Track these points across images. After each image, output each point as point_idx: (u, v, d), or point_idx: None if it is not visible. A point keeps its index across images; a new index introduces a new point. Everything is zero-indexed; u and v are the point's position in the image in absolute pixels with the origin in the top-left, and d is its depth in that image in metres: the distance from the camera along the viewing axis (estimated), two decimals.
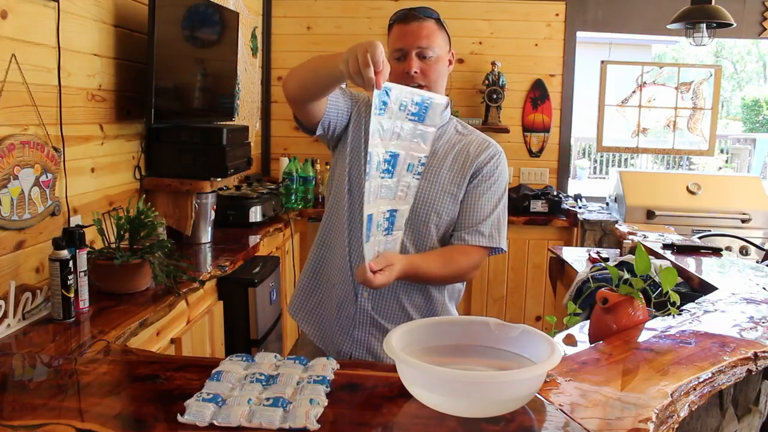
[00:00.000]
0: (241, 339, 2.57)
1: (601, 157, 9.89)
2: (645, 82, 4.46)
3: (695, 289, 2.08)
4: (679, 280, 2.05)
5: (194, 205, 2.68)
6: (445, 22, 1.66)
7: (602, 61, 4.42)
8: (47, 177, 1.89)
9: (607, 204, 4.14)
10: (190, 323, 2.18)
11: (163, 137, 2.63)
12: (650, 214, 3.76)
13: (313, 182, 3.86)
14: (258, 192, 3.33)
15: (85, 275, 1.79)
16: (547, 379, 1.21)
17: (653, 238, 2.74)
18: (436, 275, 1.59)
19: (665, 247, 2.54)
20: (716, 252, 2.48)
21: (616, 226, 3.25)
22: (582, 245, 3.68)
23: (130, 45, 2.43)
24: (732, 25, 3.49)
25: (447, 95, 1.70)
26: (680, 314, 1.65)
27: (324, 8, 4.24)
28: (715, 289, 1.95)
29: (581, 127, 5.95)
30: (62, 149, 1.98)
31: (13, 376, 1.37)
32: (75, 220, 2.05)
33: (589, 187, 7.21)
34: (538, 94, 4.28)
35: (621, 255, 2.61)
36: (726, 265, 2.30)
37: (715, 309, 1.72)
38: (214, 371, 1.22)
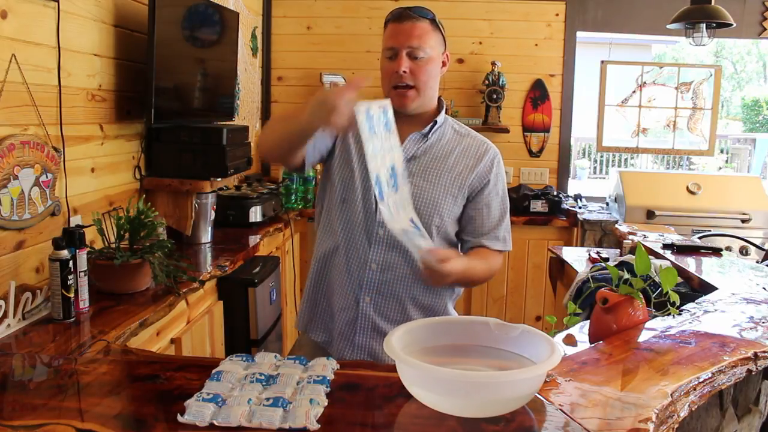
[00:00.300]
0: (241, 339, 2.57)
1: (601, 157, 9.88)
2: (645, 82, 4.46)
3: (695, 289, 2.08)
4: (679, 280, 2.05)
5: (194, 205, 2.68)
6: (441, 23, 1.64)
7: (602, 61, 4.42)
8: (47, 177, 1.89)
9: (607, 204, 4.14)
10: (190, 323, 2.18)
11: (163, 137, 2.63)
12: (650, 214, 3.75)
13: (313, 182, 3.86)
14: (258, 192, 3.33)
15: (85, 275, 1.79)
16: (547, 379, 1.21)
17: (653, 238, 2.74)
18: (479, 278, 1.65)
19: (665, 247, 2.54)
20: (716, 252, 2.48)
21: (616, 226, 3.25)
22: (582, 245, 3.68)
23: (130, 45, 2.43)
24: (732, 25, 3.49)
25: (440, 96, 1.70)
26: (680, 314, 1.65)
27: (324, 8, 4.24)
28: (715, 289, 1.95)
29: (581, 127, 5.95)
30: (62, 149, 1.98)
31: (13, 376, 1.37)
32: (75, 220, 2.05)
33: (589, 187, 7.21)
34: (538, 94, 4.28)
35: (621, 255, 2.61)
36: (726, 265, 2.30)
37: (715, 309, 1.72)
38: (214, 371, 1.22)
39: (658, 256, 2.41)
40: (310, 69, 4.25)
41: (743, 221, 3.77)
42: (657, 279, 1.61)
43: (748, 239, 3.41)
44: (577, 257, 2.74)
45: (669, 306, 1.63)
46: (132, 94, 2.45)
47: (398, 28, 1.57)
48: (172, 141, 2.62)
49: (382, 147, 1.42)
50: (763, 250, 3.30)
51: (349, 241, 1.62)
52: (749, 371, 1.36)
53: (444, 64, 1.65)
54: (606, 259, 2.47)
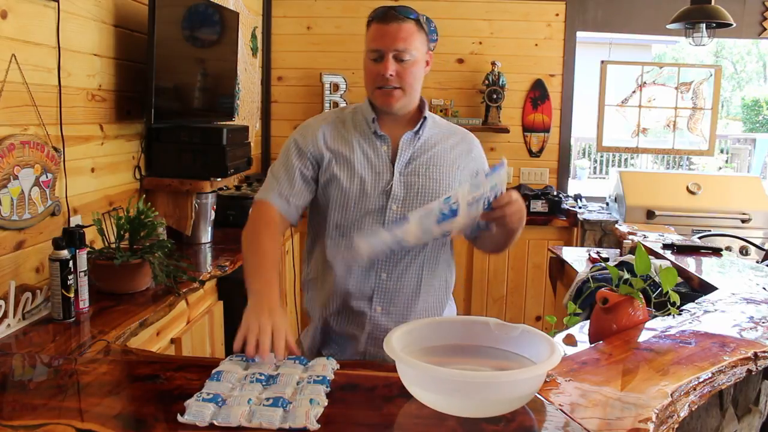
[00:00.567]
0: None
1: (601, 157, 9.88)
2: (645, 82, 4.46)
3: (695, 289, 2.08)
4: (679, 280, 2.05)
5: (194, 205, 2.68)
6: (424, 21, 1.61)
7: (602, 61, 4.42)
8: (47, 177, 1.89)
9: (607, 204, 4.14)
10: (190, 323, 2.18)
11: (163, 137, 2.63)
12: (650, 214, 3.75)
13: None
14: None
15: (85, 275, 1.79)
16: (547, 379, 1.21)
17: (653, 238, 2.74)
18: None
19: (665, 247, 2.54)
20: (716, 252, 2.48)
21: (616, 226, 3.25)
22: (582, 245, 3.68)
23: (130, 45, 2.43)
24: (732, 25, 3.49)
25: (422, 96, 1.69)
26: (680, 314, 1.65)
27: (324, 8, 4.24)
28: (715, 289, 1.95)
29: (581, 127, 5.94)
30: (62, 149, 1.98)
31: (13, 376, 1.37)
32: (75, 220, 2.05)
33: (589, 187, 7.21)
34: (538, 94, 4.28)
35: (621, 255, 2.61)
36: (726, 265, 2.30)
37: (715, 309, 1.72)
38: (214, 371, 1.22)
39: (658, 256, 2.41)
40: (310, 69, 4.25)
41: (743, 221, 3.77)
42: (657, 279, 1.61)
43: (748, 239, 3.41)
44: (577, 257, 2.74)
45: (669, 306, 1.63)
46: (132, 94, 2.45)
47: (383, 30, 1.54)
48: (172, 141, 2.62)
49: (473, 191, 1.42)
50: (763, 250, 3.30)
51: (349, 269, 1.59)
52: (749, 371, 1.36)
53: (427, 63, 1.63)
54: (606, 259, 2.47)
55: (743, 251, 3.57)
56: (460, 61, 4.25)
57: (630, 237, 2.80)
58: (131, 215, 2.01)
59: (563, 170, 4.38)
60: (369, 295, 1.59)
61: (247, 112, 3.86)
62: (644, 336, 1.50)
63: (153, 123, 2.47)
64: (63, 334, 1.63)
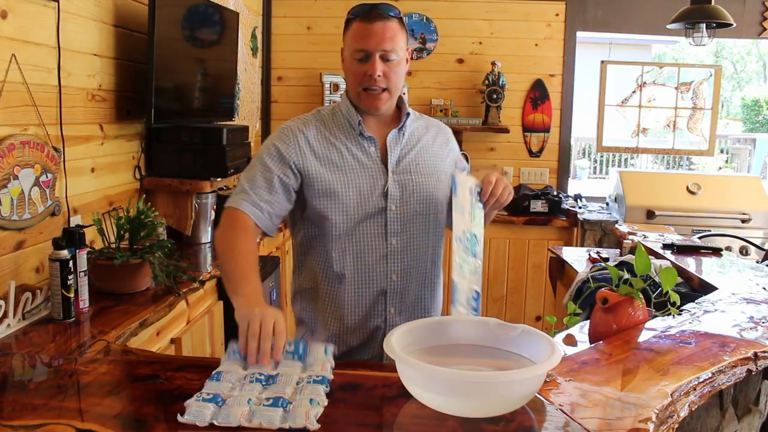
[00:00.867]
0: None
1: (601, 157, 9.88)
2: (645, 82, 4.46)
3: (695, 289, 2.08)
4: (679, 280, 2.05)
5: (194, 205, 2.68)
6: (404, 19, 1.61)
7: (602, 61, 4.42)
8: (47, 177, 1.89)
9: (607, 204, 4.14)
10: (190, 323, 2.18)
11: (163, 137, 2.63)
12: (650, 214, 3.76)
13: None
14: None
15: (85, 275, 1.79)
16: (547, 379, 1.21)
17: (653, 238, 2.74)
18: None
19: (665, 247, 2.54)
20: (716, 252, 2.48)
21: (616, 226, 3.25)
22: (582, 245, 3.68)
23: (130, 45, 2.43)
24: (732, 25, 3.49)
25: (403, 94, 1.70)
26: (680, 314, 1.65)
27: (324, 8, 4.24)
28: (715, 289, 1.95)
29: (581, 127, 5.95)
30: (62, 149, 1.98)
31: (13, 376, 1.37)
32: (75, 220, 2.05)
33: (589, 187, 7.21)
34: (538, 94, 4.28)
35: (621, 255, 2.61)
36: (726, 265, 2.30)
37: (715, 309, 1.72)
38: (214, 372, 1.22)
39: (658, 256, 2.41)
40: (310, 69, 4.25)
41: (743, 221, 3.77)
42: (657, 279, 1.61)
43: (748, 239, 3.41)
44: (577, 257, 2.74)
45: (669, 306, 1.63)
46: (132, 94, 2.45)
47: (369, 29, 1.51)
48: (172, 141, 2.62)
49: (470, 212, 1.48)
50: (763, 250, 3.30)
51: (361, 264, 1.57)
52: (749, 371, 1.36)
53: (407, 61, 1.61)
54: (606, 259, 2.47)
55: (743, 251, 3.57)
56: (460, 61, 4.25)
57: (630, 237, 2.80)
58: (131, 215, 2.01)
59: (563, 170, 4.38)
60: (382, 299, 1.59)
61: (247, 112, 3.86)
62: (644, 336, 1.50)
63: (153, 123, 2.47)
64: (63, 334, 1.63)
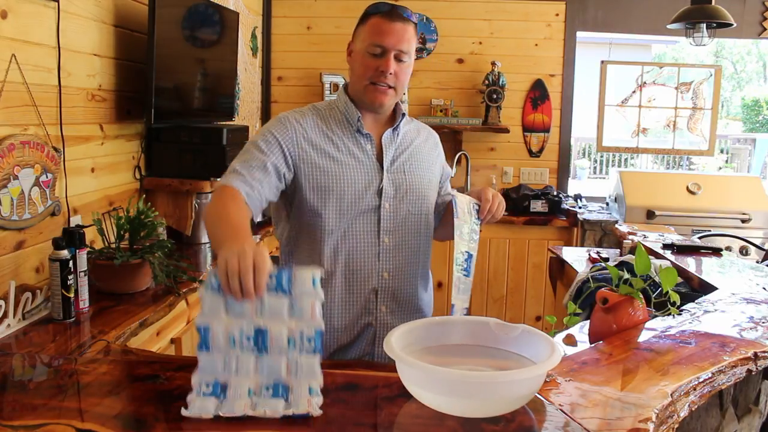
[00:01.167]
0: None
1: (601, 157, 9.88)
2: (645, 82, 4.46)
3: (695, 289, 2.08)
4: (679, 280, 2.05)
5: (194, 205, 2.68)
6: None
7: (602, 61, 4.42)
8: (47, 177, 1.89)
9: (607, 204, 4.14)
10: (190, 323, 2.18)
11: (163, 137, 2.63)
12: (650, 214, 3.76)
13: None
14: None
15: (85, 275, 1.79)
16: (547, 379, 1.21)
17: (653, 238, 2.74)
18: None
19: (665, 247, 2.54)
20: (716, 252, 2.48)
21: (616, 226, 3.25)
22: (582, 245, 3.68)
23: (130, 45, 2.43)
24: (732, 25, 3.49)
25: (404, 95, 1.71)
26: (680, 314, 1.65)
27: (324, 8, 4.24)
28: (715, 289, 1.95)
29: (581, 127, 5.94)
30: (62, 149, 1.98)
31: (13, 376, 1.37)
32: (75, 220, 2.05)
33: (589, 187, 7.21)
34: (538, 94, 4.28)
35: (621, 255, 2.61)
36: (726, 265, 2.30)
37: (715, 309, 1.72)
38: (199, 327, 1.13)
39: (658, 256, 2.41)
40: (310, 69, 4.25)
41: (743, 221, 3.77)
42: (657, 279, 1.61)
43: (748, 239, 3.41)
44: (577, 257, 2.74)
45: (669, 306, 1.63)
46: (132, 94, 2.45)
47: (390, 27, 1.54)
48: (172, 141, 2.62)
49: (469, 233, 1.54)
50: (763, 250, 3.30)
51: (353, 262, 1.57)
52: (749, 371, 1.36)
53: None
54: (606, 259, 2.47)
55: (743, 251, 3.57)
56: (460, 61, 4.25)
57: (630, 237, 2.80)
58: (131, 215, 2.01)
59: (563, 170, 4.38)
60: (374, 297, 1.59)
61: (247, 112, 3.86)
62: (644, 336, 1.50)
63: (153, 123, 2.47)
64: (63, 334, 1.63)
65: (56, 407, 1.14)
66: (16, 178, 1.75)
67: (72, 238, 1.78)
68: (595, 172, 9.92)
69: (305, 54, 4.26)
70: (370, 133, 1.61)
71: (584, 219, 3.76)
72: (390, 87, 1.56)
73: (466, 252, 1.54)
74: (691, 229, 3.66)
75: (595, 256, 2.60)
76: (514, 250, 4.01)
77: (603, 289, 1.60)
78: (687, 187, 3.91)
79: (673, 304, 1.61)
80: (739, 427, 1.57)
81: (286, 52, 4.28)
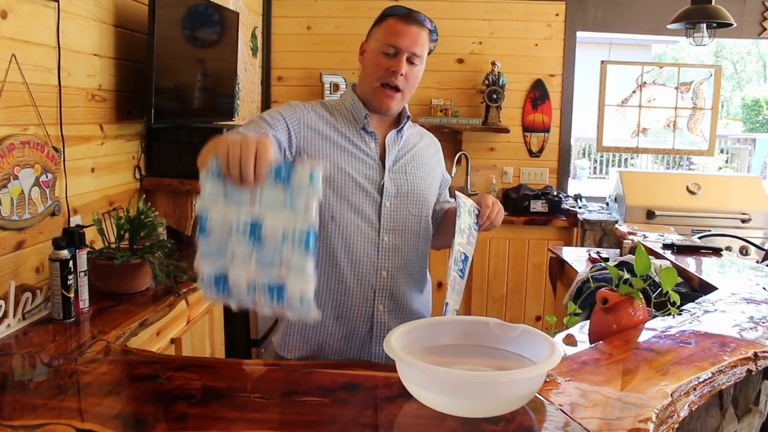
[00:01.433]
0: (241, 339, 2.57)
1: (601, 157, 9.88)
2: (645, 82, 4.46)
3: (695, 289, 2.08)
4: (679, 280, 2.05)
5: (194, 205, 2.68)
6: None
7: (602, 61, 4.42)
8: (47, 177, 1.89)
9: (607, 204, 4.14)
10: (190, 323, 2.18)
11: (163, 137, 2.63)
12: (650, 214, 3.76)
13: None
14: None
15: (85, 275, 1.79)
16: (547, 379, 1.21)
17: (653, 238, 2.74)
18: None
19: (665, 247, 2.54)
20: (716, 252, 2.48)
21: (616, 226, 3.25)
22: (582, 245, 3.68)
23: (130, 45, 2.43)
24: (732, 25, 3.49)
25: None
26: (680, 314, 1.65)
27: (324, 8, 4.24)
28: (715, 289, 1.95)
29: (581, 127, 5.94)
30: (62, 149, 1.98)
31: (13, 376, 1.37)
32: (75, 220, 2.05)
33: (589, 187, 7.21)
34: (538, 94, 4.28)
35: (621, 255, 2.61)
36: (726, 265, 2.30)
37: (715, 309, 1.72)
38: (199, 211, 1.16)
39: (658, 256, 2.41)
40: (310, 69, 4.25)
41: (743, 221, 3.77)
42: (657, 279, 1.61)
43: (748, 239, 3.41)
44: (577, 257, 2.74)
45: (669, 306, 1.63)
46: (132, 94, 2.45)
47: (406, 29, 1.56)
48: (172, 141, 2.62)
49: (468, 234, 1.55)
50: (763, 250, 3.30)
51: (352, 257, 1.57)
52: (749, 371, 1.36)
53: None
54: (606, 259, 2.47)
55: (743, 251, 3.57)
56: (460, 61, 4.25)
57: (630, 237, 2.80)
58: (131, 215, 2.01)
59: (563, 170, 4.39)
60: (371, 294, 1.59)
61: (247, 112, 3.86)
62: (644, 336, 1.50)
63: (153, 123, 2.47)
64: (63, 334, 1.63)
65: (56, 407, 1.14)
66: (16, 178, 1.75)
67: (72, 238, 1.78)
68: (595, 172, 9.93)
69: (305, 54, 4.26)
70: (376, 132, 1.63)
71: (584, 219, 3.76)
72: (398, 90, 1.58)
73: (464, 253, 1.54)
74: (691, 229, 3.66)
75: (595, 256, 2.60)
76: (514, 250, 4.01)
77: (603, 289, 1.60)
78: (687, 187, 3.91)
79: (673, 304, 1.61)
80: (739, 427, 1.57)
81: (286, 52, 4.28)
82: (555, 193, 4.08)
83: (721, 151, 9.14)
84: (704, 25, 3.61)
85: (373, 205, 1.58)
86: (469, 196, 1.64)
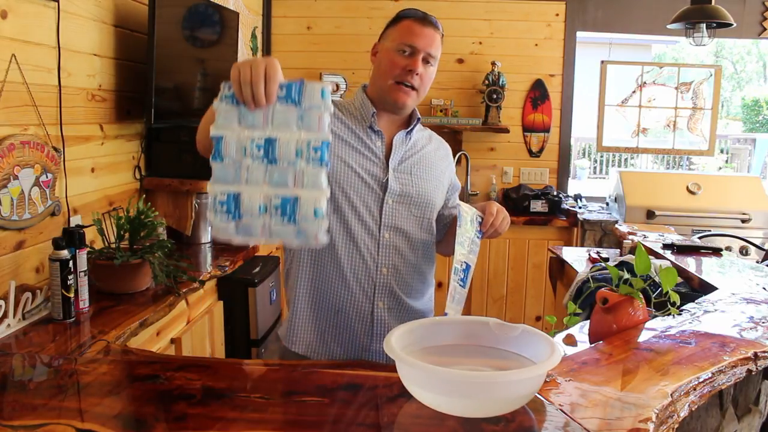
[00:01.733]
0: (241, 339, 2.57)
1: (601, 157, 9.88)
2: (645, 82, 4.46)
3: (695, 289, 2.08)
4: (679, 280, 2.05)
5: (194, 205, 2.68)
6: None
7: (602, 61, 4.42)
8: (47, 177, 1.89)
9: (607, 204, 4.14)
10: (190, 323, 2.18)
11: (163, 137, 2.63)
12: (650, 214, 3.76)
13: None
14: None
15: (85, 275, 1.79)
16: (547, 379, 1.21)
17: (653, 238, 2.74)
18: None
19: (665, 247, 2.54)
20: (716, 252, 2.48)
21: (616, 226, 3.25)
22: (582, 245, 3.68)
23: (130, 45, 2.43)
24: (732, 25, 3.49)
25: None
26: (680, 314, 1.65)
27: (324, 8, 4.24)
28: (715, 289, 1.95)
29: (581, 127, 5.95)
30: (62, 149, 1.98)
31: (13, 376, 1.37)
32: (75, 220, 2.05)
33: (589, 187, 7.21)
34: (538, 94, 4.28)
35: (621, 255, 2.61)
36: (726, 265, 2.30)
37: (715, 309, 1.72)
38: (213, 136, 1.21)
39: (658, 256, 2.41)
40: (310, 69, 4.25)
41: (743, 221, 3.77)
42: (657, 279, 1.61)
43: (748, 239, 3.41)
44: (577, 257, 2.74)
45: (669, 306, 1.63)
46: (132, 94, 2.45)
47: (422, 30, 1.59)
48: (172, 141, 2.62)
49: (470, 244, 1.55)
50: (763, 250, 3.30)
51: (352, 250, 1.58)
52: (749, 371, 1.36)
53: None
54: (606, 259, 2.47)
55: (743, 251, 3.57)
56: (460, 61, 4.25)
57: (630, 237, 2.80)
58: (131, 215, 2.01)
59: (563, 170, 4.39)
60: (371, 291, 1.59)
61: None
62: (644, 336, 1.50)
63: (153, 123, 2.47)
64: (63, 334, 1.63)
65: (56, 407, 1.14)
66: (16, 178, 1.75)
67: (72, 238, 1.78)
68: (595, 172, 9.93)
69: (305, 54, 4.26)
70: (383, 131, 1.64)
71: (584, 219, 3.76)
72: (414, 89, 1.59)
73: (465, 262, 1.54)
74: (691, 229, 3.67)
75: (595, 256, 2.61)
76: (514, 250, 4.02)
77: (603, 289, 1.60)
78: (687, 187, 3.91)
79: (673, 304, 1.61)
80: (739, 427, 1.57)
81: (286, 52, 4.28)
82: (555, 193, 4.08)
83: (721, 151, 9.15)
84: (704, 25, 3.61)
85: (375, 200, 1.59)
86: (470, 197, 1.64)
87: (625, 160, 9.59)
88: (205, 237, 2.75)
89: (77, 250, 1.77)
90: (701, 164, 8.69)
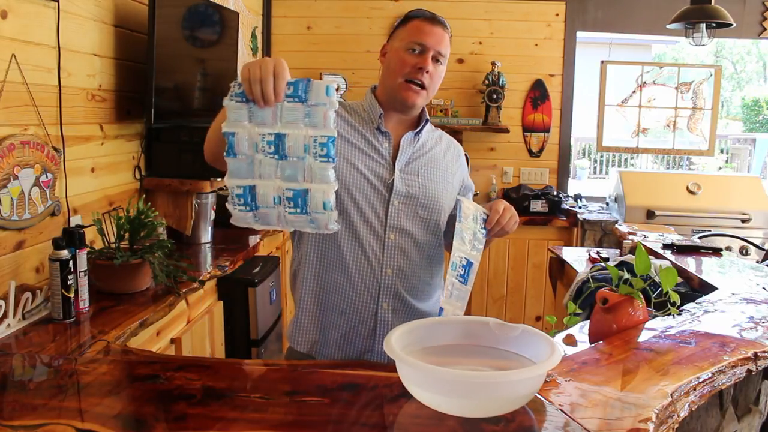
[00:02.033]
0: (241, 339, 2.57)
1: (601, 157, 9.88)
2: (645, 82, 4.46)
3: (695, 289, 2.08)
4: (679, 280, 2.05)
5: (194, 205, 2.68)
6: None
7: (602, 61, 4.42)
8: (47, 177, 1.89)
9: (607, 204, 4.14)
10: (190, 323, 2.18)
11: (163, 137, 2.63)
12: (650, 214, 3.76)
13: None
14: None
15: (85, 275, 1.79)
16: (547, 379, 1.21)
17: (653, 238, 2.74)
18: None
19: (665, 247, 2.54)
20: (716, 252, 2.48)
21: (616, 226, 3.25)
22: (582, 245, 3.68)
23: (130, 45, 2.43)
24: (732, 25, 3.49)
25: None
26: (680, 314, 1.65)
27: (324, 8, 4.24)
28: (715, 289, 1.95)
29: (581, 127, 5.95)
30: (62, 149, 1.98)
31: (13, 376, 1.37)
32: (75, 220, 2.05)
33: (589, 187, 7.21)
34: (538, 94, 4.29)
35: (621, 255, 2.61)
36: (726, 265, 2.30)
37: (715, 309, 1.72)
38: (225, 132, 1.27)
39: (658, 256, 2.41)
40: (310, 69, 4.25)
41: (743, 221, 3.77)
42: (657, 279, 1.61)
43: (748, 239, 3.41)
44: (577, 257, 2.74)
45: (669, 306, 1.63)
46: (132, 94, 2.45)
47: (432, 29, 1.59)
48: (172, 141, 2.62)
49: (471, 240, 1.54)
50: (763, 250, 3.30)
51: (357, 251, 1.58)
52: (749, 371, 1.36)
53: None
54: (606, 259, 2.47)
55: (743, 251, 3.57)
56: (460, 61, 4.25)
57: (630, 237, 2.80)
58: (131, 215, 2.01)
59: (563, 170, 4.39)
60: (376, 292, 1.59)
61: None
62: (644, 336, 1.50)
63: (153, 123, 2.47)
64: (63, 334, 1.63)
65: (56, 407, 1.14)
66: (16, 178, 1.75)
67: (72, 238, 1.78)
68: (595, 172, 9.93)
69: (305, 54, 4.27)
70: (390, 132, 1.63)
71: (584, 219, 3.76)
72: (423, 88, 1.59)
73: (465, 258, 1.53)
74: (691, 229, 3.67)
75: (595, 256, 2.61)
76: (514, 250, 4.02)
77: (603, 289, 1.60)
78: (687, 187, 3.91)
79: (673, 304, 1.61)
80: (739, 427, 1.57)
81: (286, 52, 4.28)
82: (555, 193, 4.08)
83: (721, 151, 9.14)
84: (704, 25, 3.61)
85: (381, 201, 1.58)
86: (482, 205, 1.62)
87: (625, 160, 9.59)
88: (205, 237, 2.75)
89: (77, 250, 1.77)
90: (701, 164, 8.69)
